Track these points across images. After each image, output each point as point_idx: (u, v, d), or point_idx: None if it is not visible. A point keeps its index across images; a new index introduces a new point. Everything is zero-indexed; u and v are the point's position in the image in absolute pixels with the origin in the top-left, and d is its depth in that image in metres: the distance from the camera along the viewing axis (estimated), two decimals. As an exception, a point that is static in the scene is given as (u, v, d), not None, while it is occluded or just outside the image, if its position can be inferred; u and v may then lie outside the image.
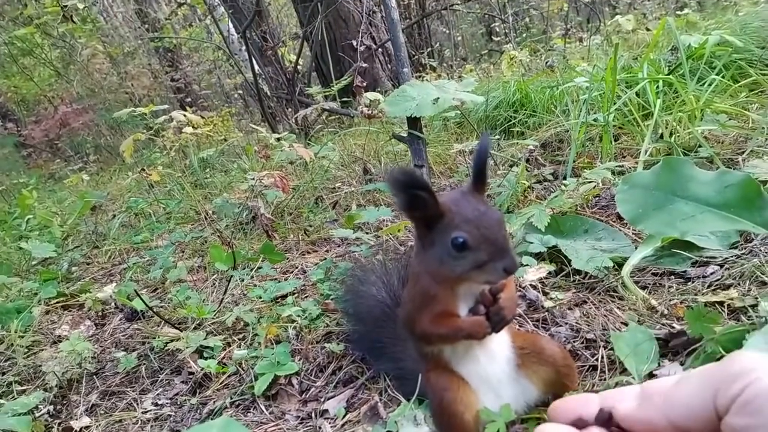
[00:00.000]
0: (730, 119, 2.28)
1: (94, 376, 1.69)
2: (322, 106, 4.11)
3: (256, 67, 5.09)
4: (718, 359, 1.05)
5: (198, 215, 3.09)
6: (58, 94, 10.70)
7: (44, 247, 2.62)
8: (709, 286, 1.38)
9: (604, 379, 1.16)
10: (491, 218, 0.87)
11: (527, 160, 2.60)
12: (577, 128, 2.46)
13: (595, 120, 2.52)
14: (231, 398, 1.42)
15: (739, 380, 0.53)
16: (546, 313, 1.44)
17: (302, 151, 2.80)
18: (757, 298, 1.24)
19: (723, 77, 2.55)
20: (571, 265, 1.59)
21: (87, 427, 1.45)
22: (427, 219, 0.90)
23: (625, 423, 0.67)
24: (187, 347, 1.62)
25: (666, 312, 1.31)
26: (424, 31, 8.07)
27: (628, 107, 2.49)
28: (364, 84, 3.92)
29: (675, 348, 1.15)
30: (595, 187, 1.98)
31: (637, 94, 2.53)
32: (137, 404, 1.51)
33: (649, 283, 1.48)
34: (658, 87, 2.55)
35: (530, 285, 1.56)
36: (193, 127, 3.64)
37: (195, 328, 1.77)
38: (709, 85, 2.44)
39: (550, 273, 1.60)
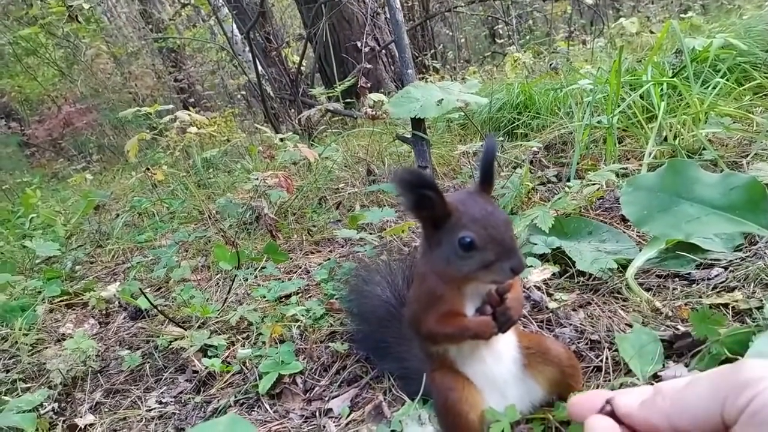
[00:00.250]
0: (734, 122, 2.28)
1: (99, 374, 1.69)
2: (326, 107, 4.12)
3: (260, 67, 5.10)
4: (723, 362, 1.06)
5: (201, 215, 3.10)
6: (61, 93, 10.72)
7: (48, 246, 2.63)
8: (713, 288, 1.38)
9: (609, 380, 1.16)
10: (498, 218, 0.88)
11: (531, 162, 2.61)
12: (581, 130, 2.46)
13: (599, 122, 2.52)
14: (235, 397, 1.42)
15: (748, 389, 0.53)
16: (550, 314, 1.44)
17: (306, 151, 2.81)
18: (761, 300, 1.24)
19: (727, 80, 2.55)
20: (575, 267, 1.59)
21: (91, 425, 1.45)
22: (434, 219, 0.90)
23: (626, 420, 0.67)
24: (191, 346, 1.62)
25: (670, 314, 1.31)
26: (427, 33, 8.09)
27: (632, 110, 2.49)
28: (368, 85, 3.93)
29: (680, 349, 1.15)
30: (599, 189, 1.98)
31: (641, 97, 2.54)
32: (141, 402, 1.52)
33: (653, 285, 1.48)
34: (662, 90, 2.56)
35: (534, 286, 1.56)
36: (197, 127, 3.65)
37: (199, 327, 1.77)
38: (714, 88, 2.44)
39: (554, 274, 1.60)
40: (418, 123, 2.49)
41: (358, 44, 5.39)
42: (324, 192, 2.97)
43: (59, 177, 8.32)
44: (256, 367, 1.49)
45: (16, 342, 1.87)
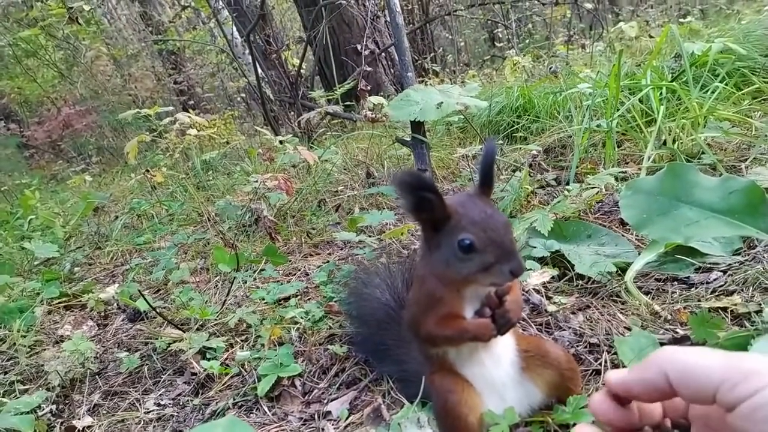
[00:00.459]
0: (733, 126, 2.28)
1: (97, 376, 1.69)
2: (325, 109, 4.12)
3: (260, 70, 5.10)
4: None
5: (201, 217, 3.09)
6: (61, 95, 10.72)
7: (47, 248, 2.63)
8: (712, 292, 1.38)
9: (608, 384, 1.16)
10: (498, 221, 0.88)
11: (530, 165, 2.61)
12: (581, 134, 2.46)
13: (598, 126, 2.52)
14: (234, 399, 1.42)
15: (751, 381, 0.52)
16: (549, 317, 1.44)
17: (306, 153, 2.81)
18: (760, 304, 1.24)
19: (726, 85, 2.56)
20: (574, 270, 1.59)
21: (89, 427, 1.45)
22: (434, 221, 0.90)
23: (621, 389, 0.66)
24: (189, 348, 1.62)
25: (669, 317, 1.32)
26: (427, 37, 8.10)
27: (631, 114, 2.50)
28: (368, 88, 3.93)
29: (679, 353, 1.15)
30: (598, 192, 1.99)
31: (641, 101, 2.54)
32: (140, 404, 1.52)
33: (652, 289, 1.48)
34: (661, 94, 2.56)
35: (534, 289, 1.56)
36: (196, 129, 3.65)
37: (198, 329, 1.77)
38: (713, 92, 2.45)
39: (553, 277, 1.60)
40: (417, 126, 2.50)
41: (358, 47, 5.40)
42: (323, 194, 2.97)
43: (58, 178, 8.31)
44: (255, 370, 1.49)
45: (15, 343, 1.86)
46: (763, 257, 1.44)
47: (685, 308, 1.34)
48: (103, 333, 2.01)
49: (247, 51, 5.46)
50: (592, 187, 1.97)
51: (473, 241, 0.86)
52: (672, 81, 2.67)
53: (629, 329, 1.30)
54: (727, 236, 1.50)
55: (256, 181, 2.61)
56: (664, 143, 2.30)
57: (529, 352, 1.05)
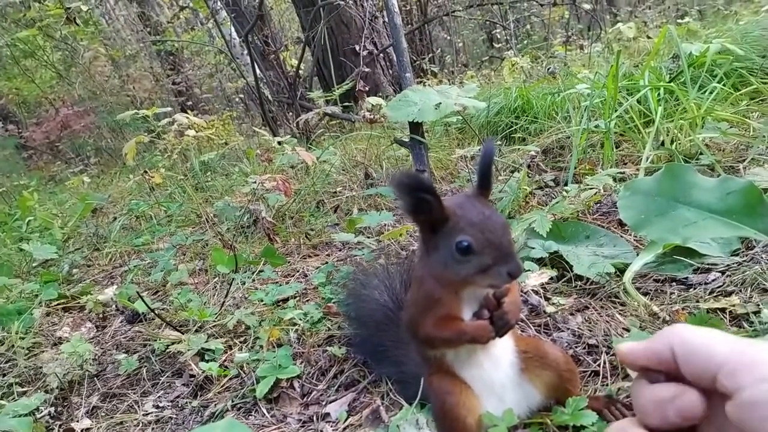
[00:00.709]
0: (731, 127, 2.29)
1: (95, 378, 1.69)
2: (324, 110, 4.12)
3: (258, 71, 5.10)
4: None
5: (199, 218, 3.09)
6: (59, 96, 10.72)
7: (45, 249, 2.63)
8: (710, 293, 1.38)
9: (607, 385, 1.16)
10: (496, 222, 0.88)
11: (529, 166, 2.61)
12: (579, 135, 2.47)
13: (596, 127, 2.53)
14: (232, 401, 1.42)
15: (753, 370, 0.50)
16: (548, 319, 1.44)
17: (305, 154, 2.81)
18: (758, 305, 1.24)
19: (724, 85, 2.56)
20: (572, 271, 1.59)
21: (88, 429, 1.45)
22: (432, 222, 0.90)
23: (628, 357, 0.66)
24: (188, 350, 1.62)
25: (668, 318, 1.32)
26: (425, 37, 8.10)
27: (630, 114, 2.50)
28: (366, 89, 3.93)
29: (677, 354, 1.15)
30: (596, 193, 1.99)
31: (639, 102, 2.55)
32: (138, 406, 1.51)
33: (650, 290, 1.48)
34: (659, 94, 2.57)
35: (532, 290, 1.56)
36: (195, 130, 3.65)
37: (196, 331, 1.77)
38: (710, 93, 2.45)
39: (551, 278, 1.60)
40: (416, 127, 2.50)
41: (357, 48, 5.40)
42: (322, 195, 2.97)
43: (57, 180, 8.30)
44: (254, 371, 1.48)
45: (13, 346, 1.86)
46: (762, 258, 1.44)
47: (683, 309, 1.34)
48: (101, 335, 2.00)
49: (246, 52, 5.46)
50: (591, 188, 1.97)
51: (471, 243, 0.86)
52: (670, 82, 2.67)
53: (628, 330, 1.30)
54: (725, 237, 1.50)
55: (255, 182, 2.61)
56: (662, 144, 2.30)
57: (527, 354, 1.05)
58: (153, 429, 1.41)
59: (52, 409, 1.54)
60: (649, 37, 5.24)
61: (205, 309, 1.86)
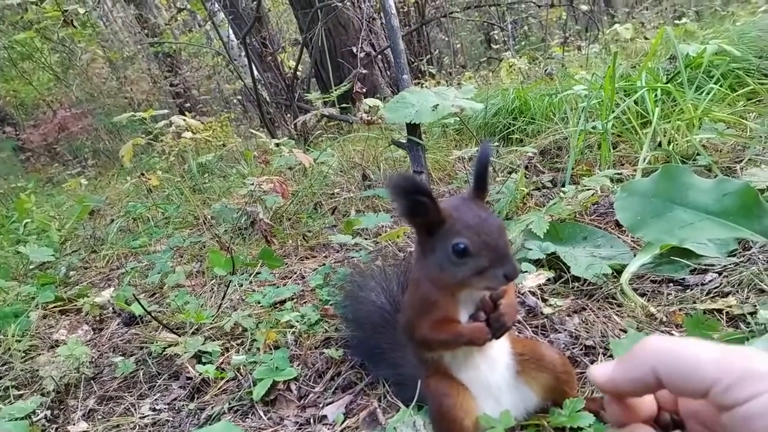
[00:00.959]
0: (728, 128, 2.29)
1: (92, 381, 1.68)
2: (322, 112, 4.12)
3: (256, 72, 5.10)
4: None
5: (197, 220, 3.09)
6: (57, 98, 10.70)
7: (42, 252, 2.62)
8: (707, 294, 1.38)
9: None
10: (492, 225, 0.88)
11: (526, 167, 2.61)
12: (576, 136, 2.47)
13: (593, 128, 2.53)
14: (229, 404, 1.42)
15: (746, 384, 0.50)
16: (545, 320, 1.44)
17: (302, 156, 2.80)
18: (755, 305, 1.24)
19: (721, 86, 2.57)
20: (570, 272, 1.59)
21: (84, 432, 1.44)
22: (428, 225, 0.90)
23: (607, 387, 0.64)
24: (185, 352, 1.61)
25: (665, 319, 1.32)
26: (423, 39, 8.11)
27: (627, 115, 2.50)
28: (364, 90, 3.93)
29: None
30: (593, 194, 1.99)
31: (636, 103, 2.55)
32: (135, 409, 1.51)
33: (647, 291, 1.48)
34: (656, 95, 2.57)
35: (529, 291, 1.56)
36: (192, 132, 3.64)
37: (193, 333, 1.76)
38: (707, 94, 2.45)
39: (549, 280, 1.60)
40: (413, 128, 2.50)
41: (354, 49, 5.40)
42: (319, 197, 2.97)
43: (54, 182, 8.29)
44: (251, 374, 1.48)
45: (9, 349, 1.85)
46: (758, 258, 1.44)
47: (680, 310, 1.34)
48: (98, 337, 2.00)
49: (244, 53, 5.47)
50: (588, 189, 1.97)
51: (467, 245, 0.86)
52: (667, 83, 2.68)
53: (625, 331, 1.30)
54: (722, 238, 1.51)
55: (252, 184, 2.61)
56: (660, 145, 2.30)
57: (524, 356, 1.04)
58: (149, 432, 1.40)
59: (49, 413, 1.53)
60: (646, 38, 5.24)
61: (202, 311, 1.86)
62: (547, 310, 1.46)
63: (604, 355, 1.24)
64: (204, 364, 1.57)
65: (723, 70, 2.67)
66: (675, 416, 0.68)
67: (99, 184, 6.13)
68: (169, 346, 1.68)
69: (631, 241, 1.73)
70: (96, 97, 9.63)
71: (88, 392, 1.63)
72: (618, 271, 1.55)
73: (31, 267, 2.89)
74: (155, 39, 9.87)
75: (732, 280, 1.39)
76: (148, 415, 1.47)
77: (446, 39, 10.33)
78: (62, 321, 2.17)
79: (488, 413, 0.99)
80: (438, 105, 2.33)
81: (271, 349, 1.60)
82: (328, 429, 1.25)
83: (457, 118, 2.97)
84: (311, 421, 1.30)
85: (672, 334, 1.23)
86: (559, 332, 1.38)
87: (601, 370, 0.65)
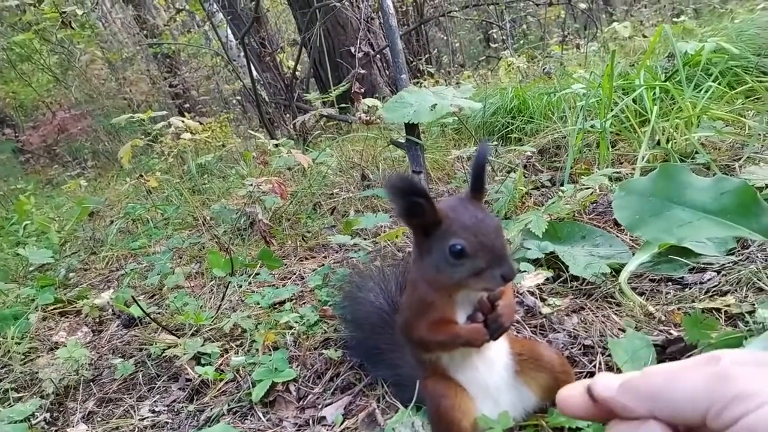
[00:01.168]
0: (726, 126, 2.29)
1: (91, 383, 1.68)
2: (321, 112, 4.12)
3: (255, 73, 5.10)
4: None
5: (196, 221, 3.09)
6: (56, 99, 10.70)
7: (41, 253, 2.62)
8: (706, 293, 1.38)
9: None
10: (489, 225, 0.87)
11: (525, 167, 2.61)
12: (575, 135, 2.47)
13: (592, 126, 2.53)
14: (228, 405, 1.42)
15: (739, 404, 0.51)
16: (543, 320, 1.44)
17: (300, 157, 2.80)
18: (754, 304, 1.24)
19: (719, 84, 2.56)
20: (568, 272, 1.59)
21: (83, 435, 1.44)
22: (425, 226, 0.90)
23: (605, 405, 0.65)
24: (184, 354, 1.61)
25: (663, 318, 1.31)
26: (422, 38, 8.10)
27: (625, 114, 2.50)
28: (362, 90, 3.92)
29: (672, 354, 1.15)
30: (592, 193, 1.99)
31: (634, 101, 2.55)
32: (134, 411, 1.51)
33: (646, 290, 1.48)
34: (654, 94, 2.57)
35: (528, 291, 1.56)
36: (191, 133, 3.65)
37: (192, 335, 1.76)
38: (706, 91, 2.45)
39: (547, 279, 1.60)
40: (411, 128, 2.50)
41: (353, 49, 5.40)
42: (318, 197, 2.97)
43: (54, 183, 8.29)
44: (250, 375, 1.48)
45: (9, 351, 1.85)
46: (757, 257, 1.44)
47: (679, 309, 1.34)
48: (97, 339, 2.00)
49: (242, 53, 5.46)
50: (587, 188, 1.97)
51: (464, 246, 0.86)
52: (665, 81, 2.68)
53: (623, 331, 1.30)
54: (720, 237, 1.50)
55: (251, 185, 2.61)
56: (658, 143, 2.30)
57: (522, 356, 1.04)
58: (149, 434, 1.40)
59: (48, 415, 1.53)
60: (644, 36, 5.24)
61: (202, 312, 1.86)
62: (545, 310, 1.46)
63: (602, 354, 1.24)
64: (203, 365, 1.57)
65: (721, 68, 2.66)
66: None
67: (98, 186, 6.13)
68: (169, 347, 1.68)
69: (630, 240, 1.73)
70: (95, 99, 9.62)
71: (88, 394, 1.63)
72: (616, 271, 1.55)
73: (30, 269, 2.89)
74: (154, 40, 9.88)
75: (730, 278, 1.39)
76: (147, 417, 1.47)
77: (445, 38, 10.32)
78: (62, 323, 2.17)
79: (486, 414, 0.99)
80: (436, 104, 2.33)
81: (270, 350, 1.60)
82: (327, 430, 1.25)
83: (456, 118, 2.97)
84: (310, 422, 1.30)
85: (670, 334, 1.23)
86: (558, 332, 1.38)
87: (604, 383, 0.66)
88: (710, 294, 1.37)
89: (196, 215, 3.07)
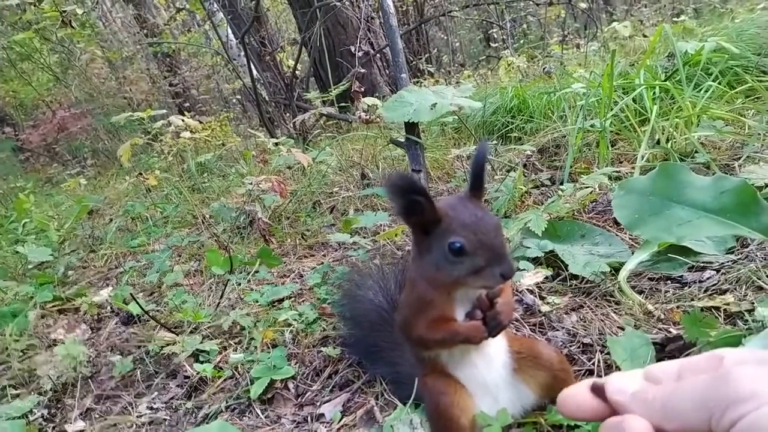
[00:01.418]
0: (726, 125, 2.29)
1: (89, 380, 1.68)
2: (320, 111, 4.12)
3: (255, 72, 5.09)
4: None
5: (195, 219, 3.09)
6: (56, 98, 10.70)
7: (40, 251, 2.62)
8: (705, 291, 1.38)
9: (601, 384, 1.15)
10: (488, 223, 0.87)
11: (525, 166, 2.61)
12: (575, 134, 2.46)
13: (592, 126, 2.52)
14: (227, 402, 1.42)
15: (738, 407, 0.51)
16: (543, 318, 1.44)
17: (300, 155, 2.80)
18: (753, 303, 1.24)
19: (719, 83, 2.56)
20: (567, 270, 1.59)
21: (81, 431, 1.44)
22: (425, 224, 0.90)
23: (615, 406, 0.65)
24: (182, 351, 1.61)
25: (662, 317, 1.31)
26: (422, 37, 8.10)
27: (625, 113, 2.50)
28: (362, 89, 3.92)
29: (671, 353, 1.15)
30: (591, 192, 1.99)
31: (634, 100, 2.54)
32: (132, 408, 1.51)
33: (645, 288, 1.48)
34: (654, 93, 2.57)
35: (527, 289, 1.56)
36: (191, 131, 3.64)
37: (191, 332, 1.76)
38: (706, 91, 2.45)
39: (547, 277, 1.60)
40: (411, 127, 2.49)
41: (353, 48, 5.40)
42: (318, 196, 2.97)
43: (53, 182, 8.28)
44: (248, 372, 1.48)
45: (7, 348, 1.85)
46: (756, 256, 1.44)
47: (678, 307, 1.34)
48: (96, 337, 2.00)
49: (242, 53, 5.46)
50: (586, 187, 1.97)
51: (463, 244, 0.85)
52: (665, 80, 2.68)
53: (622, 329, 1.30)
54: (719, 235, 1.50)
55: (251, 183, 2.61)
56: (658, 142, 2.30)
57: (521, 354, 1.04)
58: (147, 431, 1.40)
59: (46, 412, 1.53)
60: (645, 36, 5.24)
61: (200, 310, 1.86)
62: (544, 308, 1.46)
63: (601, 352, 1.24)
64: (201, 362, 1.57)
65: (721, 68, 2.66)
66: None
67: (98, 184, 6.13)
68: (167, 345, 1.68)
69: (629, 238, 1.73)
70: (95, 97, 9.62)
71: (86, 391, 1.63)
72: (616, 269, 1.55)
73: (29, 267, 2.89)
74: (154, 39, 9.87)
75: (730, 277, 1.39)
76: (145, 414, 1.47)
77: (445, 38, 10.33)
78: (60, 321, 2.17)
79: (485, 411, 0.99)
80: (436, 104, 2.32)
81: (268, 347, 1.60)
82: (326, 427, 1.25)
83: (456, 117, 2.97)
84: (308, 419, 1.30)
85: (669, 332, 1.23)
86: (557, 330, 1.38)
87: (618, 385, 0.65)
88: (709, 292, 1.37)
89: (196, 213, 3.07)
